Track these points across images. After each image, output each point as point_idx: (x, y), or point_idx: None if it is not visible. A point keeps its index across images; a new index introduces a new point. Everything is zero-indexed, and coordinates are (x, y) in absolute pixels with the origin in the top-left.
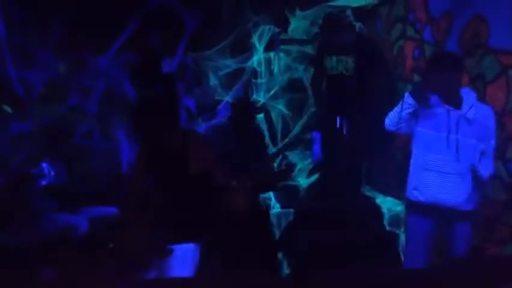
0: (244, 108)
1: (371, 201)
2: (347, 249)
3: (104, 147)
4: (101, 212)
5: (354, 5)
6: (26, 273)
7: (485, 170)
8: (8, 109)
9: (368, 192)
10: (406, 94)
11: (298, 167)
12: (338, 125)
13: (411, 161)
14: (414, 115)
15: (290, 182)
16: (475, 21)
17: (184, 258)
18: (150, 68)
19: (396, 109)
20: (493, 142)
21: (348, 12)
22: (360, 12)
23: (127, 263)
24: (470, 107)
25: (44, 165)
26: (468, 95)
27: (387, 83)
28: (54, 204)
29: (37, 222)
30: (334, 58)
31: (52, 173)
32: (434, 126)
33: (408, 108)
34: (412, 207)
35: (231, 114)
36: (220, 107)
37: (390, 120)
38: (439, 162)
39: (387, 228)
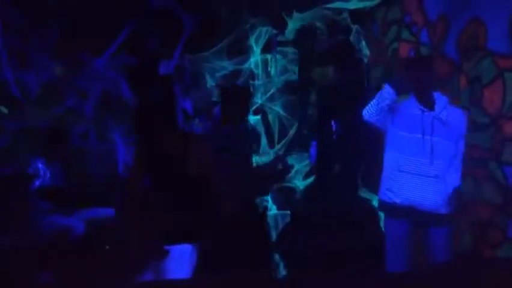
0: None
1: (367, 203)
2: (343, 251)
3: (100, 149)
4: (97, 214)
5: (351, 7)
6: (23, 275)
7: (453, 181)
8: (5, 110)
9: (364, 194)
10: (385, 85)
11: (295, 169)
12: (330, 127)
13: (385, 162)
14: (392, 109)
15: (287, 184)
16: (473, 24)
17: (180, 260)
18: (147, 70)
19: (375, 100)
20: (462, 145)
21: (345, 14)
22: (356, 15)
23: (123, 264)
24: (443, 109)
25: (40, 166)
26: (440, 98)
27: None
28: (51, 206)
29: (34, 224)
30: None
31: (48, 174)
32: (408, 127)
33: (387, 98)
34: (386, 208)
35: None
36: (217, 108)
37: (368, 110)
38: (414, 164)
39: (383, 230)
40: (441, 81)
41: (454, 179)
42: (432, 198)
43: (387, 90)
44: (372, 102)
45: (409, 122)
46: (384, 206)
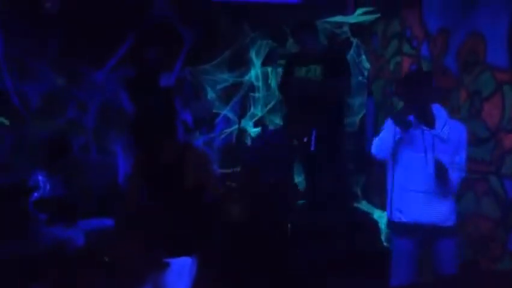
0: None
1: (368, 216)
2: (343, 264)
3: (100, 160)
4: (97, 225)
5: (351, 21)
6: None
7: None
8: (6, 122)
9: (365, 207)
10: (388, 121)
11: (295, 181)
12: (312, 137)
13: (392, 182)
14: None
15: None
16: (472, 38)
17: (180, 273)
18: (148, 82)
19: (381, 137)
20: (463, 157)
21: (345, 28)
22: (357, 29)
23: (122, 276)
24: (444, 126)
25: (40, 177)
26: (440, 113)
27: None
28: (51, 217)
29: (33, 235)
30: (303, 68)
31: (48, 185)
32: (411, 146)
33: (394, 135)
34: (396, 228)
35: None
36: (217, 120)
37: (378, 147)
38: (419, 182)
39: (385, 243)
40: (440, 95)
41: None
42: (439, 213)
43: (391, 127)
44: (378, 140)
45: (411, 141)
46: (394, 225)
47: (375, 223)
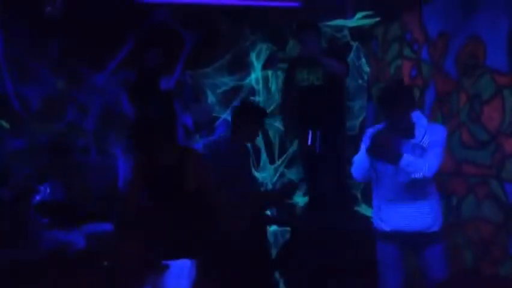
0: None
1: (367, 220)
2: (343, 268)
3: (100, 164)
4: (97, 229)
5: (351, 25)
6: None
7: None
8: (6, 125)
9: (364, 210)
10: (363, 146)
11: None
12: (310, 140)
13: (374, 192)
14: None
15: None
16: (472, 42)
17: (180, 275)
18: (148, 86)
19: (358, 160)
20: (439, 151)
21: (345, 31)
22: (357, 32)
23: (122, 279)
24: (424, 135)
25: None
26: (419, 120)
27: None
28: (51, 221)
29: (34, 239)
30: (305, 70)
31: (48, 189)
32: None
33: (368, 162)
34: (380, 236)
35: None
36: (217, 123)
37: (356, 170)
38: (395, 192)
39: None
40: (414, 103)
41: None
42: (422, 219)
43: (366, 157)
44: (356, 163)
45: (388, 151)
46: (378, 234)
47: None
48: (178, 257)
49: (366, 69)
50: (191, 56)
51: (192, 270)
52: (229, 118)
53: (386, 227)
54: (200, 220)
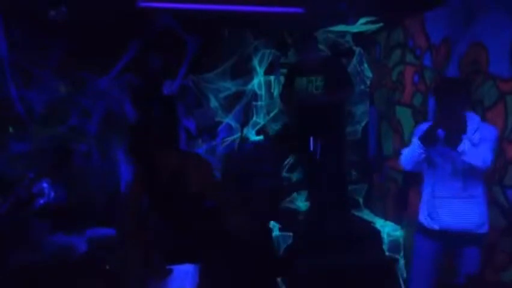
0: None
1: (370, 225)
2: (346, 273)
3: (103, 168)
4: (99, 233)
5: (354, 30)
6: None
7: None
8: (10, 128)
9: (367, 216)
10: (416, 141)
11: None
12: (312, 146)
13: (423, 188)
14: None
15: (289, 205)
16: (474, 48)
17: (183, 280)
18: (151, 90)
19: (410, 150)
20: (490, 157)
21: (348, 37)
22: (359, 38)
23: (124, 284)
24: (475, 131)
25: (44, 185)
26: (472, 119)
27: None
28: (54, 225)
29: (36, 243)
30: (304, 78)
31: (52, 193)
32: (440, 154)
33: (422, 153)
34: (424, 232)
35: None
36: (220, 128)
37: (406, 161)
38: (449, 189)
39: (387, 253)
40: (470, 103)
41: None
42: (471, 218)
43: (418, 146)
44: (407, 152)
45: (440, 149)
46: (422, 229)
47: (377, 232)
48: (181, 262)
49: (369, 74)
50: (194, 60)
51: (195, 274)
52: (231, 122)
53: (435, 225)
54: (203, 225)
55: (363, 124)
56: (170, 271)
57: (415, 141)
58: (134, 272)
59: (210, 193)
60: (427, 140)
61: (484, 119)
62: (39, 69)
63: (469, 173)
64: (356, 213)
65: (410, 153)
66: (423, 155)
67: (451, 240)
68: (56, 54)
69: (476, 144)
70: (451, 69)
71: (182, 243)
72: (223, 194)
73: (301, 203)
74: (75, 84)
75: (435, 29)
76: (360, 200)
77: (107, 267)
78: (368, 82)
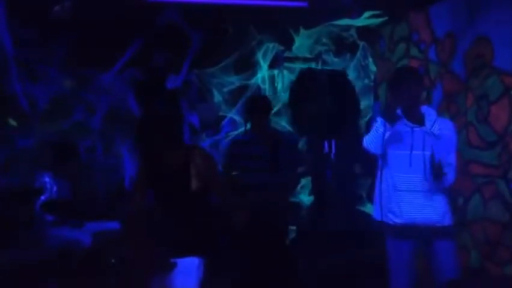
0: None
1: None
2: (349, 267)
3: (107, 163)
4: (104, 227)
5: (358, 24)
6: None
7: (451, 177)
8: (14, 123)
9: (370, 210)
10: (378, 118)
11: (301, 184)
12: (325, 147)
13: (381, 182)
14: (386, 134)
15: (293, 199)
16: (479, 42)
17: (187, 273)
18: (155, 85)
19: (372, 132)
20: (454, 157)
21: (352, 31)
22: (363, 32)
23: (129, 277)
24: (434, 123)
25: (47, 180)
26: (429, 112)
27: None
28: (58, 219)
29: (40, 237)
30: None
31: (55, 188)
32: (399, 145)
33: (384, 131)
34: (389, 230)
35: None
36: (223, 122)
37: (371, 142)
38: (409, 181)
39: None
40: (421, 95)
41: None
42: (433, 211)
43: (380, 124)
44: (372, 135)
45: (399, 139)
46: (387, 228)
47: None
48: (185, 255)
49: (373, 68)
50: (197, 55)
51: (199, 267)
52: (235, 117)
53: (397, 220)
54: (208, 218)
55: (367, 119)
56: (174, 265)
57: (377, 119)
58: (139, 265)
59: (215, 187)
60: (387, 113)
61: (488, 113)
62: (44, 65)
63: (433, 163)
64: (360, 208)
65: (373, 133)
66: (381, 129)
67: (419, 236)
68: (60, 49)
69: (438, 137)
70: (455, 63)
71: (187, 236)
72: (227, 188)
73: (304, 196)
74: (79, 80)
75: (439, 23)
76: (364, 195)
77: (112, 260)
78: (372, 76)
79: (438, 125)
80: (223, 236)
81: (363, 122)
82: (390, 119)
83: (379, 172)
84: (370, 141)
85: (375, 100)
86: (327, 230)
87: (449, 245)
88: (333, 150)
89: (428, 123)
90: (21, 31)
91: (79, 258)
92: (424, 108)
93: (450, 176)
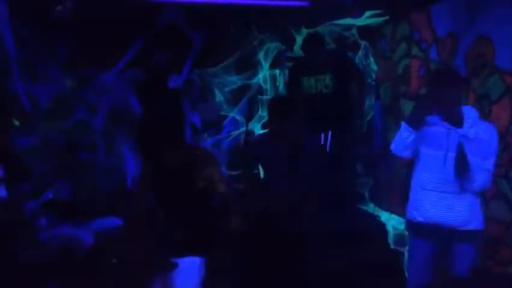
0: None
1: (375, 219)
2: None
3: (109, 162)
4: (106, 226)
5: (359, 23)
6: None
7: (483, 181)
8: (16, 123)
9: (372, 209)
10: (402, 123)
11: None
12: (321, 143)
13: (412, 180)
14: (417, 140)
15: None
16: (480, 41)
17: (189, 272)
18: (156, 85)
19: (398, 136)
20: (491, 162)
21: (353, 30)
22: (365, 31)
23: (131, 276)
24: (471, 126)
25: (49, 179)
26: (469, 113)
27: (362, 95)
28: (60, 218)
29: (42, 236)
30: (312, 78)
31: (56, 187)
32: (433, 145)
33: (409, 136)
34: (411, 228)
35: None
36: (225, 122)
37: (396, 146)
38: (437, 182)
39: (392, 246)
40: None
41: (479, 186)
42: (457, 214)
43: (405, 129)
44: (397, 137)
45: (434, 139)
46: (410, 225)
47: (382, 226)
48: (186, 255)
49: (374, 68)
50: (199, 55)
51: (200, 267)
52: (236, 116)
53: (420, 218)
54: (209, 218)
55: (368, 118)
56: (175, 264)
57: (402, 123)
58: (140, 265)
59: (216, 187)
60: (412, 121)
61: (489, 112)
62: (46, 65)
63: (462, 166)
64: (361, 207)
65: (398, 137)
66: (411, 138)
67: (439, 236)
68: (62, 49)
69: (472, 140)
70: (456, 62)
71: (188, 236)
72: (229, 189)
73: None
74: (81, 79)
75: (441, 22)
76: (366, 194)
77: (114, 260)
78: (374, 76)
79: (475, 130)
80: (225, 236)
81: (364, 121)
82: (417, 122)
83: (412, 170)
84: (395, 146)
85: (377, 99)
86: (327, 230)
87: (467, 249)
88: (329, 142)
89: (466, 125)
90: (23, 31)
91: (80, 258)
92: (466, 109)
93: (482, 180)
